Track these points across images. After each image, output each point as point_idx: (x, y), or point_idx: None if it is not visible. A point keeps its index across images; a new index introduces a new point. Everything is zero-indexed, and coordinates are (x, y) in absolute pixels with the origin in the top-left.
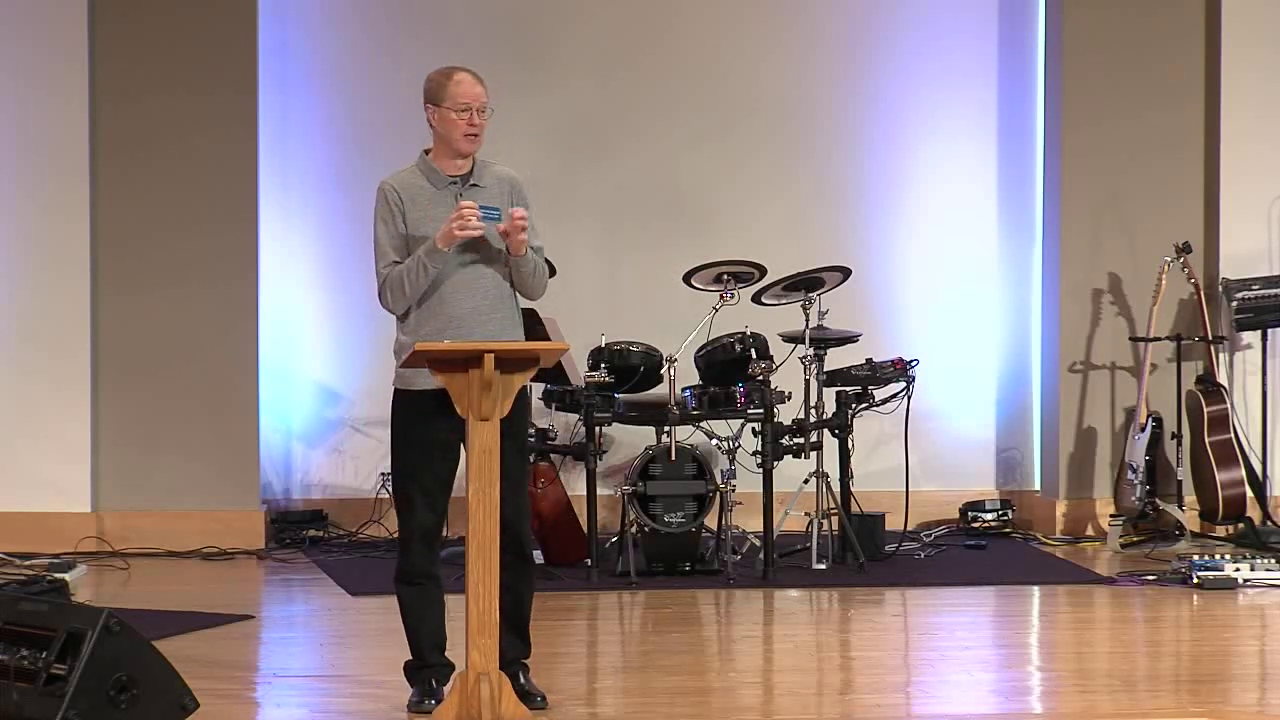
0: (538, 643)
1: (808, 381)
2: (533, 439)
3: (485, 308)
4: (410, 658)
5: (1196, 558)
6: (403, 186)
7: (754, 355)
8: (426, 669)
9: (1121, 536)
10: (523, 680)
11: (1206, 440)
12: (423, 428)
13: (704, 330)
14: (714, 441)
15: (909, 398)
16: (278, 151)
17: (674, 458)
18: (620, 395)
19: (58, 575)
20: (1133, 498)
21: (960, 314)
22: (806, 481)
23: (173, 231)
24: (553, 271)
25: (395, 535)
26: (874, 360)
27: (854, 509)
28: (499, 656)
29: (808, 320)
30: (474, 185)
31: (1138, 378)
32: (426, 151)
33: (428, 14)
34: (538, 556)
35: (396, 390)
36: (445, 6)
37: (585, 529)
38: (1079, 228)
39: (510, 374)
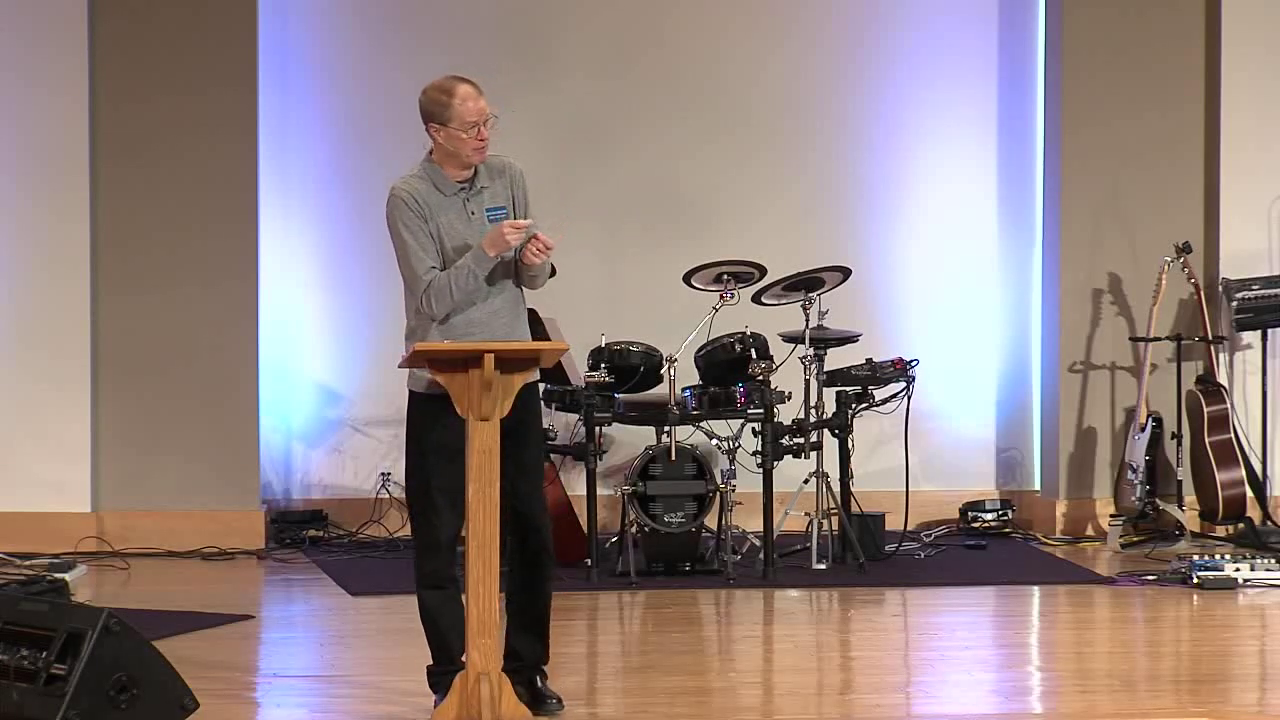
0: None
1: (808, 381)
2: None
3: (503, 310)
4: (432, 663)
5: (1196, 558)
6: (418, 193)
7: (754, 355)
8: (453, 673)
9: (1121, 536)
10: (540, 684)
11: (1206, 440)
12: (441, 430)
13: (704, 330)
14: (714, 441)
15: (909, 398)
16: (278, 151)
17: (674, 458)
18: (620, 395)
19: (58, 575)
20: (1133, 498)
21: (960, 314)
22: (806, 481)
23: (173, 231)
24: (553, 272)
25: (394, 535)
26: (874, 360)
27: (854, 509)
28: (516, 658)
29: (808, 320)
30: (480, 189)
31: (1138, 378)
32: (430, 152)
33: (428, 14)
34: None
35: (412, 394)
36: (445, 6)
37: (585, 529)
38: (1079, 228)
39: (510, 374)
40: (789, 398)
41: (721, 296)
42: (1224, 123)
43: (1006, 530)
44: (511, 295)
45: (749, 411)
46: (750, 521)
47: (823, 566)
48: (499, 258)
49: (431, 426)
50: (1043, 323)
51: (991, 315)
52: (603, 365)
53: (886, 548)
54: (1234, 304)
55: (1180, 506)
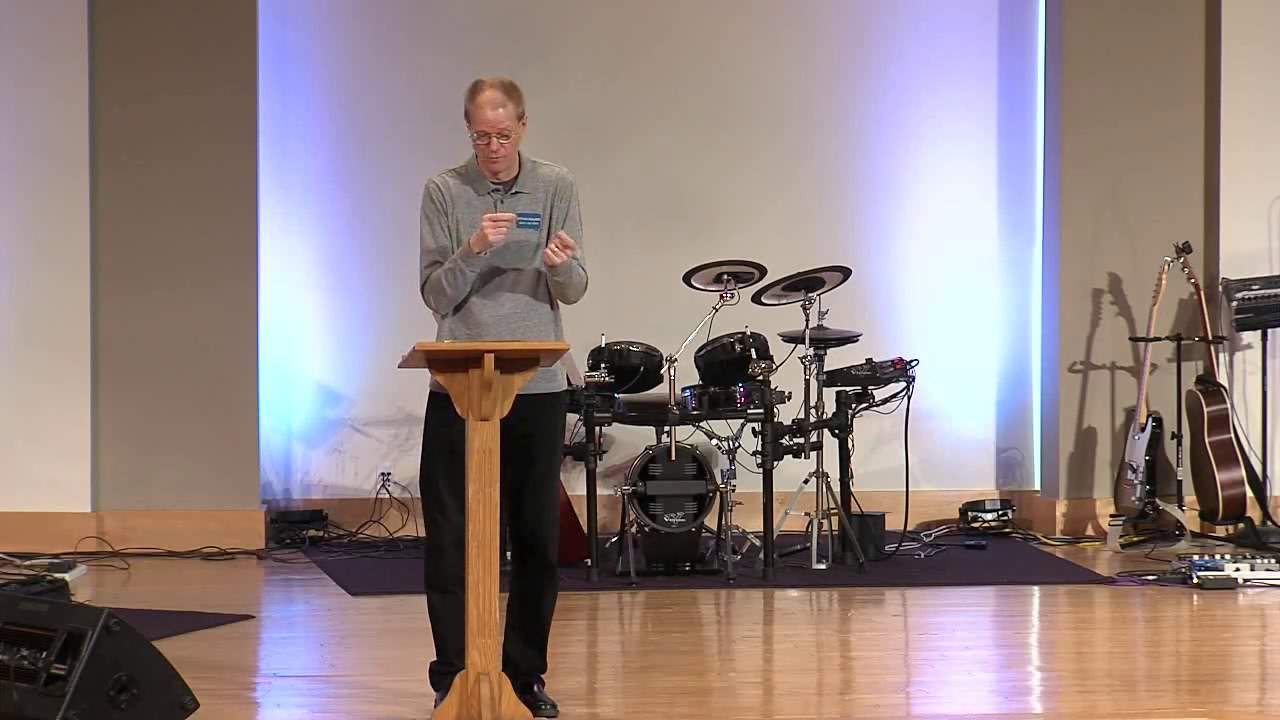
0: None
1: (808, 381)
2: None
3: (514, 315)
4: (436, 660)
5: (1196, 558)
6: (446, 187)
7: (754, 355)
8: (453, 673)
9: (1121, 536)
10: (535, 689)
11: (1206, 440)
12: (452, 430)
13: (704, 330)
14: (714, 441)
15: (909, 398)
16: (278, 151)
17: (674, 458)
18: (620, 395)
19: (58, 575)
20: (1133, 498)
21: (960, 314)
22: (806, 481)
23: (173, 231)
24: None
25: (394, 535)
26: (874, 360)
27: (854, 509)
28: (512, 665)
29: (808, 320)
30: (516, 193)
31: (1138, 378)
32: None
33: (428, 14)
34: None
35: (432, 394)
36: (446, 6)
37: (585, 529)
38: (1079, 228)
39: (510, 374)
40: (789, 398)
41: (721, 296)
42: (1224, 123)
43: (1006, 530)
44: (527, 303)
45: (749, 411)
46: (750, 521)
47: (823, 566)
48: (487, 255)
49: (443, 426)
50: (1043, 323)
51: (991, 315)
52: (603, 365)
53: (886, 548)
54: (1234, 304)
55: (1180, 506)
